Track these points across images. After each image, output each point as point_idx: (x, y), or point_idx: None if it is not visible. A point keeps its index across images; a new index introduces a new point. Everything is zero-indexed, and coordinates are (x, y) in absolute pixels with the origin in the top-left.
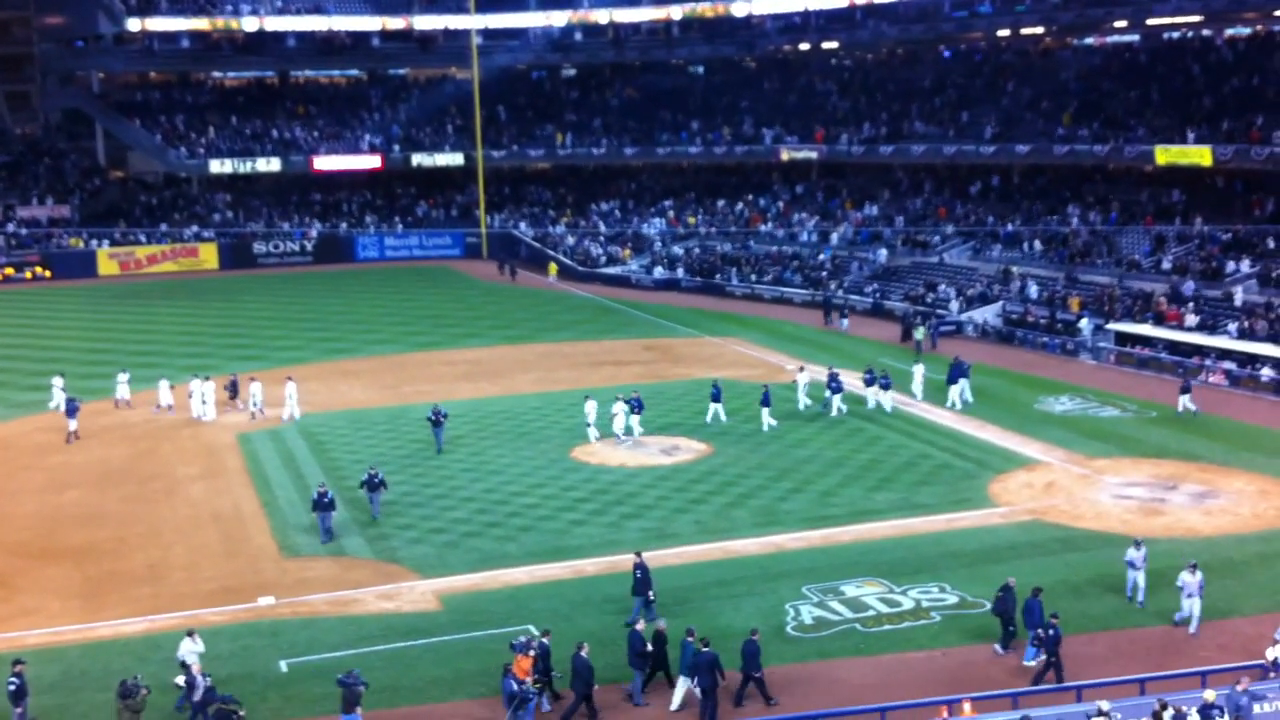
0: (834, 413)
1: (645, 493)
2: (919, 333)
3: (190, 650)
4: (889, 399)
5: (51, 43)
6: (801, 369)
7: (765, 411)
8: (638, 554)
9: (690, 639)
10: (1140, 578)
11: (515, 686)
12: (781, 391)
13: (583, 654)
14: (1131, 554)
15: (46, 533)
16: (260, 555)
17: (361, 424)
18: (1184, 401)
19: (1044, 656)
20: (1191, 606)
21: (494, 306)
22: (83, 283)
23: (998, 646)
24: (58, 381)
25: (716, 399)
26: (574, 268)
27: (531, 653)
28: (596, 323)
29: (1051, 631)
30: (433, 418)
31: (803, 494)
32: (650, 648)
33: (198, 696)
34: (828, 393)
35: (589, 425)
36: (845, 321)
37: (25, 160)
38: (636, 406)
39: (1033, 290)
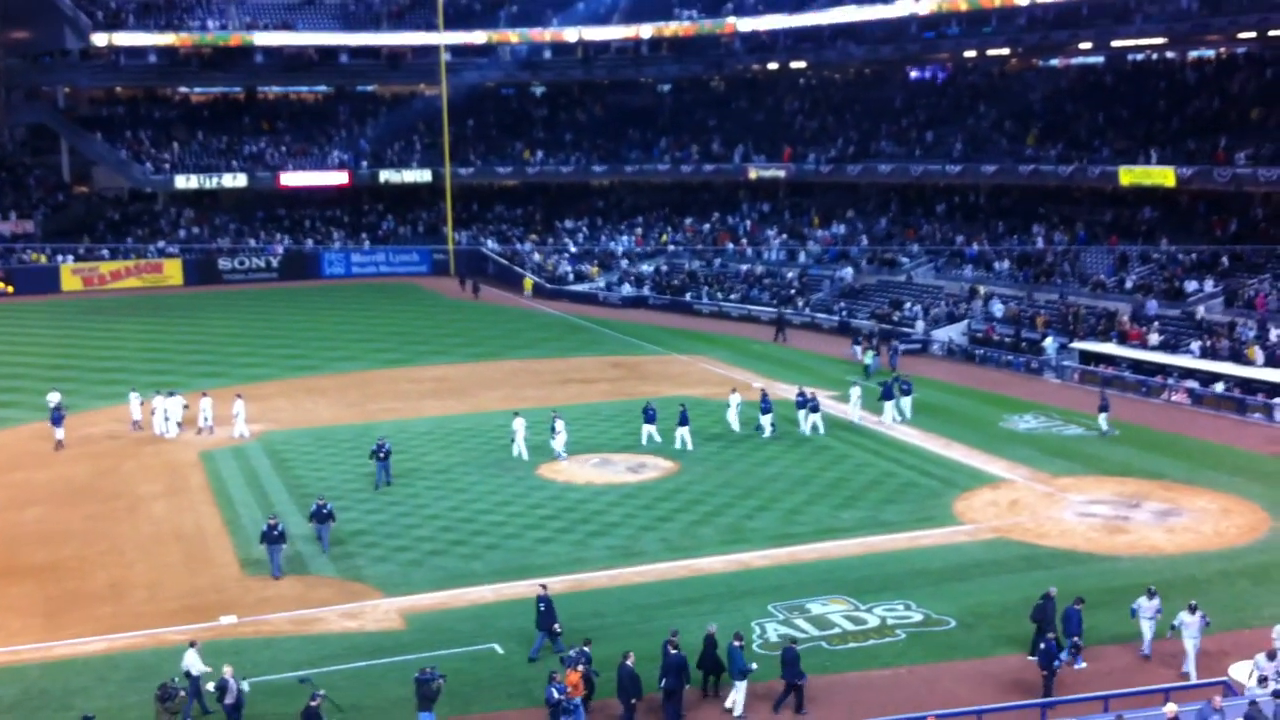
0: (767, 433)
1: (612, 510)
2: (867, 356)
3: (195, 661)
4: (814, 421)
5: (16, 57)
6: (734, 390)
7: (683, 430)
8: (543, 585)
9: (739, 644)
10: (1150, 629)
11: (556, 695)
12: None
13: (628, 663)
14: (1142, 603)
15: (7, 551)
16: (223, 574)
17: (326, 441)
18: (1102, 420)
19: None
20: (1192, 649)
21: (461, 324)
22: (46, 298)
23: (1031, 656)
24: (53, 397)
25: (650, 420)
26: (542, 285)
27: (581, 667)
28: (564, 340)
29: (1044, 646)
30: (376, 450)
31: (769, 512)
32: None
33: (230, 700)
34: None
35: (515, 442)
36: (867, 352)
37: None
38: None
39: (997, 309)
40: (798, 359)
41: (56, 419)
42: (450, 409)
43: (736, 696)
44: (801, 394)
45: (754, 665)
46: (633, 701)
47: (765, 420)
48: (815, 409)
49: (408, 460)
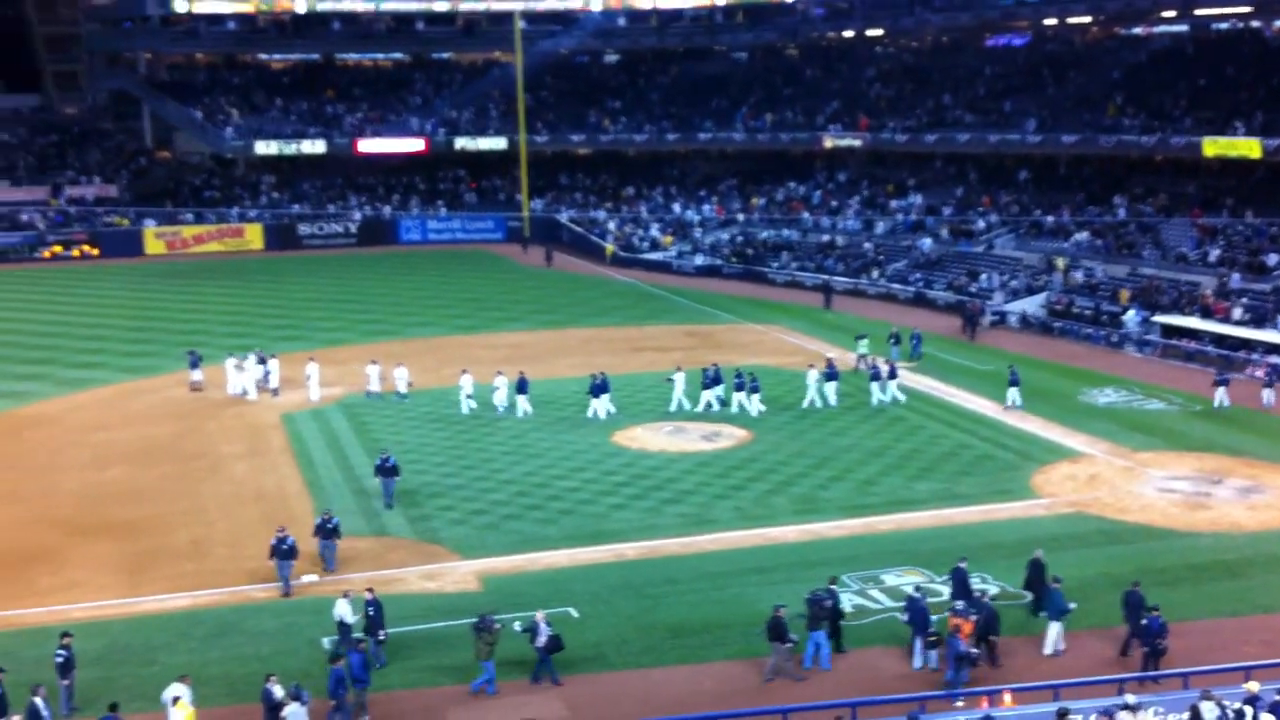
0: (704, 406)
1: (685, 478)
2: (862, 346)
3: (347, 611)
4: (755, 403)
5: (98, 23)
6: (678, 368)
7: (604, 398)
8: (370, 590)
9: (1057, 585)
10: None
11: (962, 647)
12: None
13: (987, 600)
14: None
15: (92, 508)
16: (304, 533)
17: (404, 405)
18: (1012, 395)
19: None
20: None
21: (535, 291)
22: (129, 261)
23: None
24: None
25: (595, 394)
26: (617, 253)
27: (973, 617)
28: (637, 308)
29: (1146, 622)
30: (380, 465)
31: (843, 482)
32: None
33: (541, 642)
34: (727, 388)
35: (467, 398)
36: (860, 342)
37: (72, 140)
38: (521, 386)
39: (1058, 281)
40: (873, 331)
41: (194, 363)
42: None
43: (1051, 635)
44: (739, 375)
45: (1073, 605)
46: (990, 639)
47: (707, 396)
48: (755, 390)
49: (483, 425)
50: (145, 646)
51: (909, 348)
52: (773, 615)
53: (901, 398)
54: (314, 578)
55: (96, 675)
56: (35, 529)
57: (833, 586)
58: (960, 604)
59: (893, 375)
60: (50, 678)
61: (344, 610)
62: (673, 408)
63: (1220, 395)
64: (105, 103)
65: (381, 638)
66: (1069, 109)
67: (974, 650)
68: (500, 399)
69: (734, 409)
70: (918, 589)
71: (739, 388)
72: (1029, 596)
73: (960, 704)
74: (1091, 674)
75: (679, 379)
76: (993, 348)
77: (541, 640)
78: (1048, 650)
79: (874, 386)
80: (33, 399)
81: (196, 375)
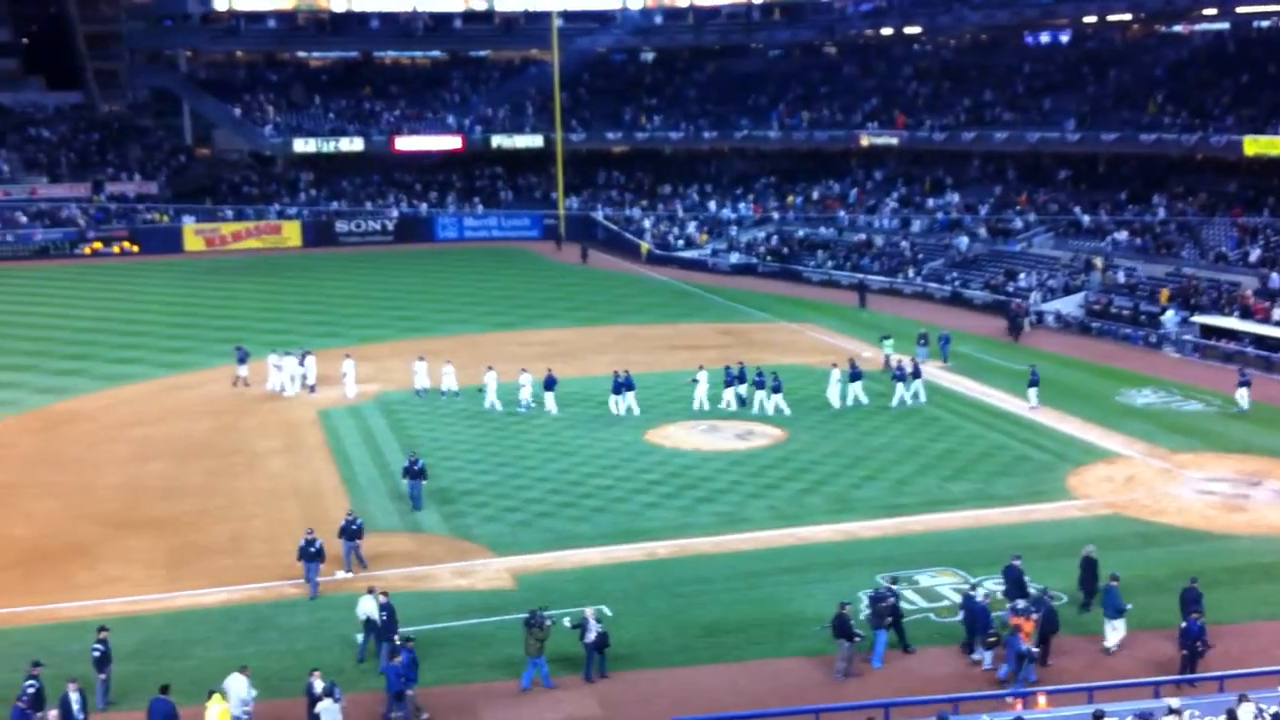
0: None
1: (719, 477)
2: (887, 345)
3: (371, 608)
4: (777, 402)
5: (139, 21)
6: (701, 367)
7: (628, 396)
8: (384, 593)
9: (1115, 583)
10: None
11: (1023, 646)
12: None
13: (1049, 599)
14: None
15: (130, 503)
16: (339, 529)
17: (440, 402)
18: (1033, 395)
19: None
20: None
21: (570, 288)
22: (169, 258)
23: None
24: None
25: (617, 391)
26: (651, 250)
27: (1034, 615)
28: (672, 306)
29: (1185, 624)
30: (408, 467)
31: (877, 482)
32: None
33: (590, 638)
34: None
35: (478, 391)
36: (885, 342)
37: (113, 137)
38: (550, 383)
39: (1095, 279)
40: (910, 330)
41: (242, 358)
42: (559, 372)
43: (1112, 634)
44: (760, 374)
45: (1129, 605)
46: (1050, 638)
47: (723, 394)
48: (777, 389)
49: (517, 422)
50: (183, 641)
51: (937, 348)
52: (838, 612)
53: (923, 399)
54: (346, 574)
55: (134, 669)
56: (73, 524)
57: (893, 586)
58: (1021, 603)
59: (916, 375)
60: (88, 671)
61: (369, 607)
62: (696, 406)
63: (1242, 395)
64: (145, 100)
65: (397, 642)
66: (1109, 107)
67: (1035, 649)
68: (525, 396)
69: (754, 410)
70: (974, 587)
71: (759, 385)
72: (1065, 598)
73: (1007, 701)
74: (1131, 675)
75: (702, 377)
76: (1034, 349)
77: (591, 636)
78: (1108, 644)
79: (898, 386)
80: (72, 394)
81: (243, 370)
